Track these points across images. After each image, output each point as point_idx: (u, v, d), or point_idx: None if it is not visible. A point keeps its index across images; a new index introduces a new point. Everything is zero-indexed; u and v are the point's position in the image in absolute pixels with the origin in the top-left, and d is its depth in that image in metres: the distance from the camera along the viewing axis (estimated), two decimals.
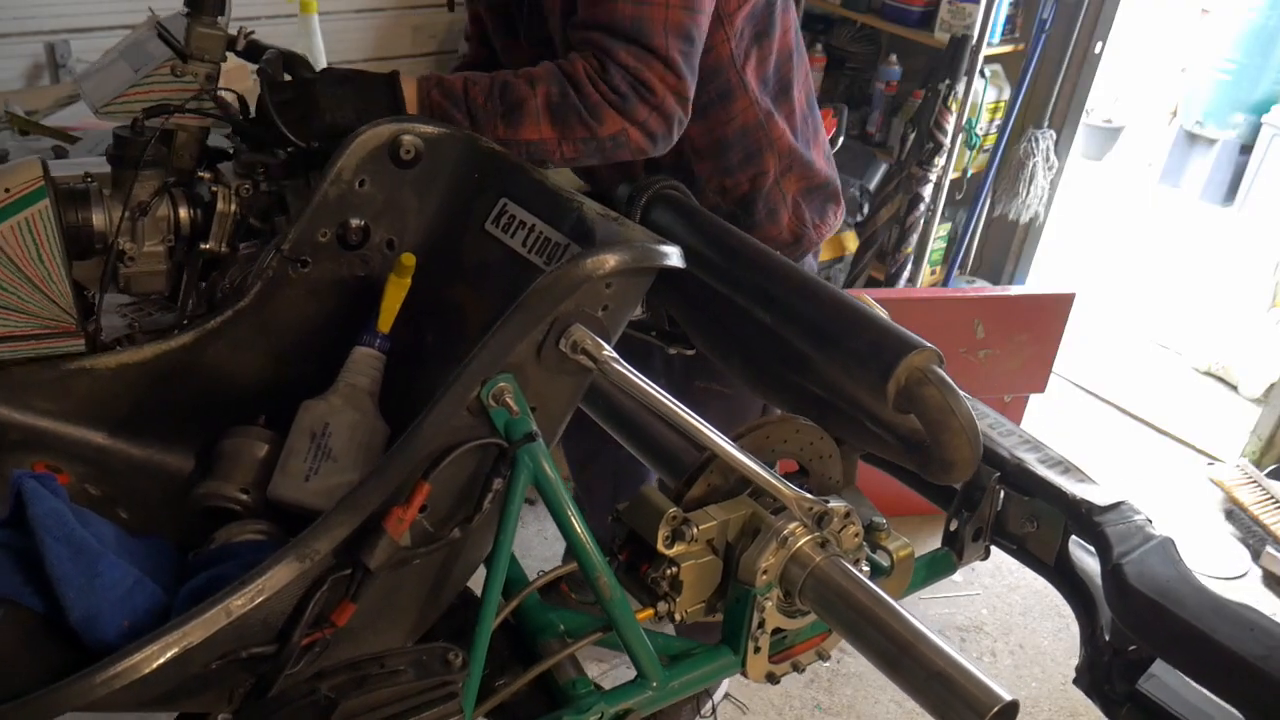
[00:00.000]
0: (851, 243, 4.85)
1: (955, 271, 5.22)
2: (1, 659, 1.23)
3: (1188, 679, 1.60)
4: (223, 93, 1.83)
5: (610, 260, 1.40)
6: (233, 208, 1.81)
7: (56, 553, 1.27)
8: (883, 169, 4.76)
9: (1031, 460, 1.83)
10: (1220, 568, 4.05)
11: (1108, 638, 1.71)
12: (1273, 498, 4.28)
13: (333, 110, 1.83)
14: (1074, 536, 1.80)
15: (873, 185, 4.73)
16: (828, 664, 3.36)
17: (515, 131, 1.89)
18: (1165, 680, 1.65)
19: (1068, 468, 1.82)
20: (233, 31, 1.86)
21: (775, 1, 2.21)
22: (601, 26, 1.90)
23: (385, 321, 1.71)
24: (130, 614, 1.29)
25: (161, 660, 1.16)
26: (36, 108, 3.27)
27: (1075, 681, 1.79)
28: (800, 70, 2.35)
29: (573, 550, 1.46)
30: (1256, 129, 7.41)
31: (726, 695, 3.20)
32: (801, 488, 1.53)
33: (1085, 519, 1.71)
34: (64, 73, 3.92)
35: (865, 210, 4.74)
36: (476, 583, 1.46)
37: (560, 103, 1.89)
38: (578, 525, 1.44)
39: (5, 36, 3.83)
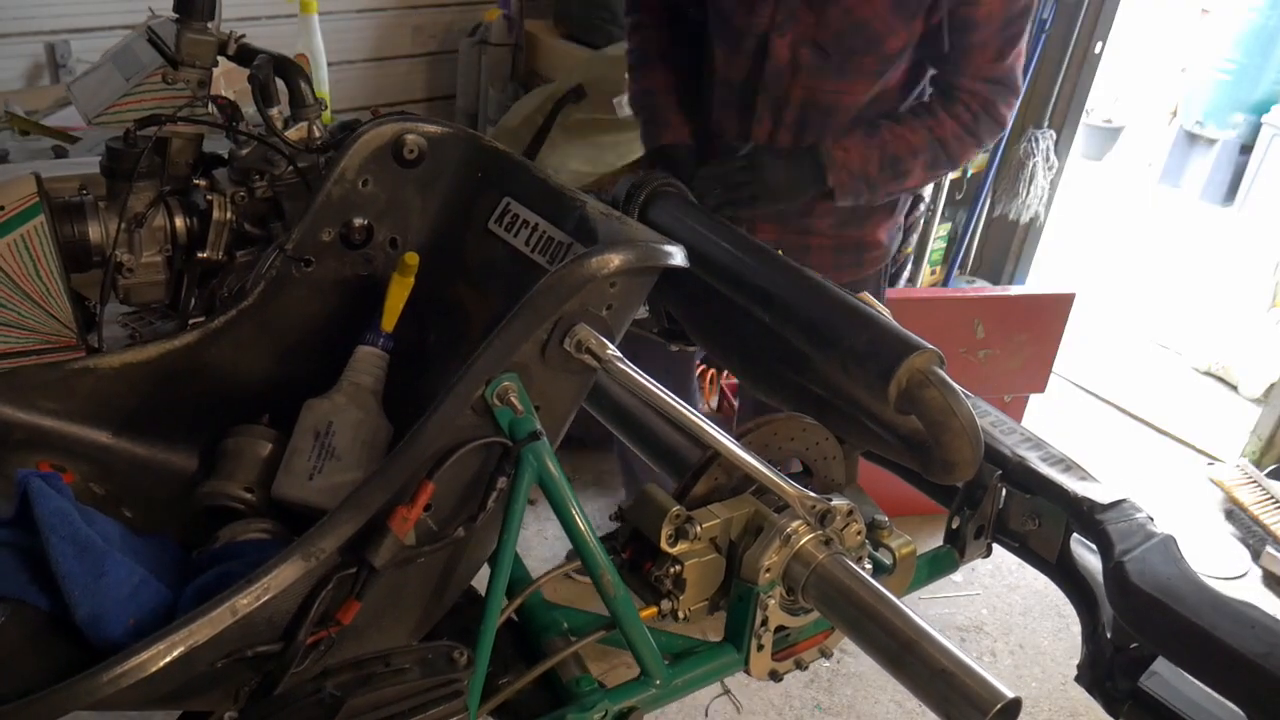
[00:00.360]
0: None
1: (955, 271, 5.22)
2: (8, 657, 1.23)
3: (1190, 676, 1.60)
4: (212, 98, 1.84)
5: (615, 260, 1.40)
6: (229, 215, 1.82)
7: (62, 551, 1.28)
8: None
9: (1033, 458, 1.83)
10: (1220, 568, 4.05)
11: (1109, 635, 1.71)
12: (1273, 498, 4.28)
13: (776, 187, 2.29)
14: (1076, 534, 1.81)
15: None
16: (828, 664, 3.36)
17: (902, 185, 2.39)
18: (1167, 678, 1.65)
19: (1069, 466, 1.82)
20: (223, 35, 1.87)
21: None
22: (994, 80, 2.30)
23: (389, 321, 1.71)
24: (136, 612, 1.29)
25: (168, 659, 1.16)
26: (36, 108, 3.28)
27: (1077, 679, 1.80)
28: None
29: (577, 548, 1.47)
30: (1256, 129, 7.42)
31: (727, 692, 3.21)
32: (805, 487, 1.54)
33: (1087, 517, 1.71)
34: (64, 73, 3.92)
35: None
36: (481, 582, 1.47)
37: (933, 162, 2.36)
38: (582, 523, 1.45)
39: (5, 36, 3.83)
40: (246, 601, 1.22)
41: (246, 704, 1.31)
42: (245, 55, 1.91)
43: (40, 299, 1.63)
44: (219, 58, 1.85)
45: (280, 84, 1.88)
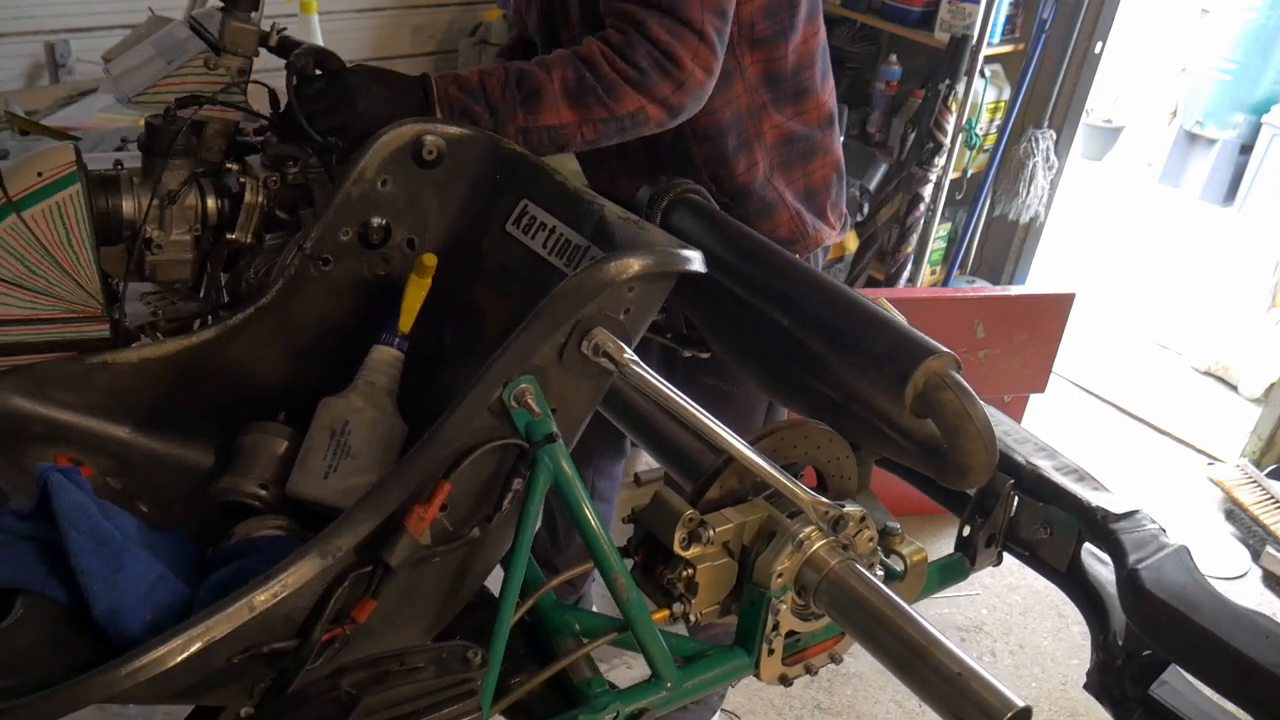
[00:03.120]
0: (851, 243, 4.86)
1: (955, 271, 5.22)
2: (26, 650, 1.24)
3: (1201, 685, 1.60)
4: (254, 87, 1.86)
5: (634, 265, 1.40)
6: (259, 199, 1.84)
7: (81, 546, 1.28)
8: (883, 169, 4.76)
9: (1047, 467, 1.83)
10: (1220, 568, 4.05)
11: (1121, 643, 1.71)
12: (1273, 498, 4.28)
13: (365, 101, 1.88)
14: (1086, 545, 1.80)
15: (873, 185, 4.73)
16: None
17: (535, 118, 1.93)
18: (1178, 687, 1.65)
19: (1082, 476, 1.82)
20: (265, 27, 1.89)
21: (799, 6, 2.23)
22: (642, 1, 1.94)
23: (405, 322, 1.71)
24: (153, 607, 1.30)
25: (185, 654, 1.17)
26: (36, 108, 3.27)
27: (1086, 686, 1.79)
28: (825, 84, 2.39)
29: (590, 551, 1.47)
30: (1256, 129, 7.42)
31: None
32: (818, 493, 1.54)
33: (1100, 526, 1.71)
34: (64, 73, 3.92)
35: (865, 210, 4.75)
36: (495, 582, 1.47)
37: (577, 85, 1.92)
38: (596, 526, 1.45)
39: (5, 36, 3.83)
40: (264, 598, 1.22)
41: (261, 700, 1.31)
42: (286, 47, 1.94)
43: (69, 267, 1.64)
44: (261, 48, 1.88)
45: None
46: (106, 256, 1.74)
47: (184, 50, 1.83)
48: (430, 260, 1.71)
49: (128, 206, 1.73)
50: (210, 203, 1.81)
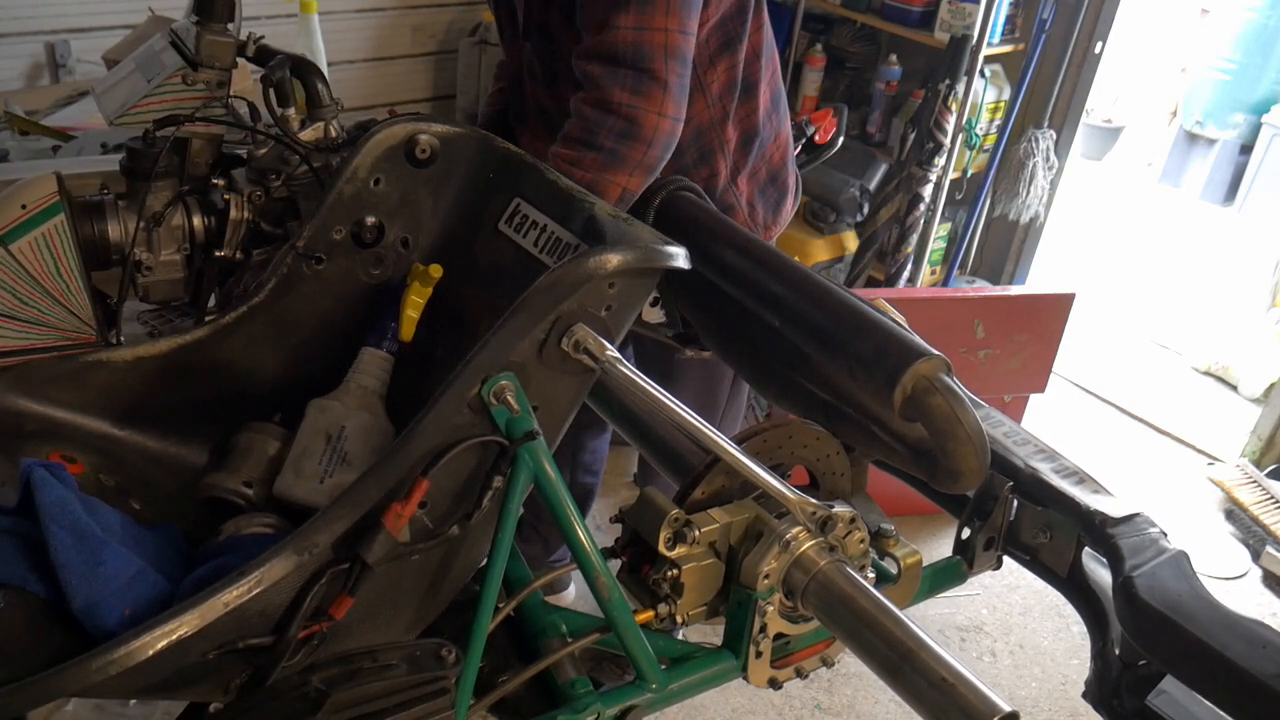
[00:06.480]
0: (851, 243, 4.83)
1: (955, 271, 5.18)
2: (5, 643, 1.24)
3: (1199, 696, 1.55)
4: (232, 99, 1.85)
5: (613, 260, 1.38)
6: (245, 214, 1.84)
7: (61, 540, 1.28)
8: (883, 169, 4.72)
9: (1046, 470, 1.79)
10: (1220, 568, 4.00)
11: (1118, 652, 1.66)
12: (1273, 498, 4.23)
13: None
14: (1088, 549, 1.76)
15: (873, 185, 4.70)
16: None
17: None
18: (1176, 697, 1.60)
19: (1083, 478, 1.77)
20: (243, 37, 1.88)
21: (748, 6, 2.18)
22: (601, 56, 1.89)
23: (407, 331, 1.70)
24: (132, 603, 1.29)
25: (156, 649, 1.16)
26: (36, 108, 3.27)
27: (1084, 695, 1.73)
28: (768, 68, 2.32)
29: (572, 550, 1.45)
30: (1256, 129, 7.32)
31: None
32: (811, 494, 1.50)
33: (1098, 530, 1.66)
34: (64, 73, 3.93)
35: (865, 210, 4.72)
36: None
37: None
38: (577, 525, 1.42)
39: (5, 36, 3.84)
40: (237, 594, 1.21)
41: (236, 696, 1.30)
42: (264, 56, 1.93)
43: (61, 296, 1.66)
44: (238, 59, 1.87)
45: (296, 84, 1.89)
46: (101, 279, 1.74)
47: (161, 66, 1.83)
48: (435, 271, 1.70)
49: (114, 231, 1.74)
50: (196, 221, 1.82)
